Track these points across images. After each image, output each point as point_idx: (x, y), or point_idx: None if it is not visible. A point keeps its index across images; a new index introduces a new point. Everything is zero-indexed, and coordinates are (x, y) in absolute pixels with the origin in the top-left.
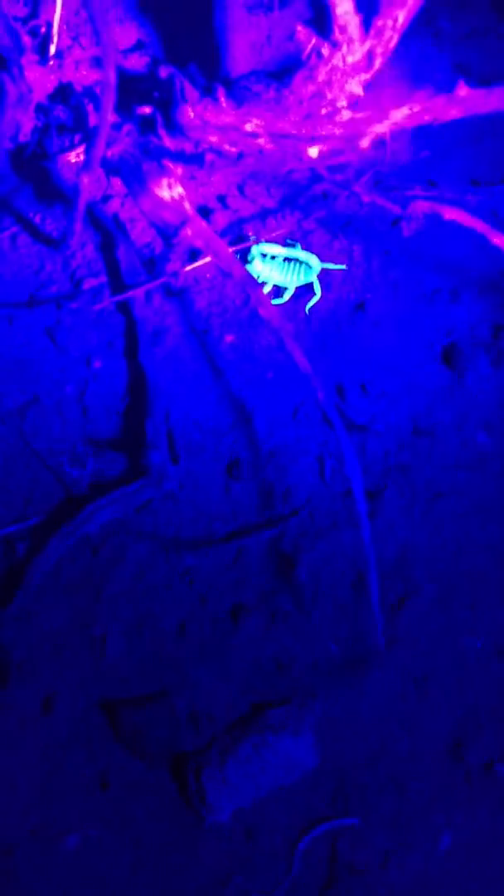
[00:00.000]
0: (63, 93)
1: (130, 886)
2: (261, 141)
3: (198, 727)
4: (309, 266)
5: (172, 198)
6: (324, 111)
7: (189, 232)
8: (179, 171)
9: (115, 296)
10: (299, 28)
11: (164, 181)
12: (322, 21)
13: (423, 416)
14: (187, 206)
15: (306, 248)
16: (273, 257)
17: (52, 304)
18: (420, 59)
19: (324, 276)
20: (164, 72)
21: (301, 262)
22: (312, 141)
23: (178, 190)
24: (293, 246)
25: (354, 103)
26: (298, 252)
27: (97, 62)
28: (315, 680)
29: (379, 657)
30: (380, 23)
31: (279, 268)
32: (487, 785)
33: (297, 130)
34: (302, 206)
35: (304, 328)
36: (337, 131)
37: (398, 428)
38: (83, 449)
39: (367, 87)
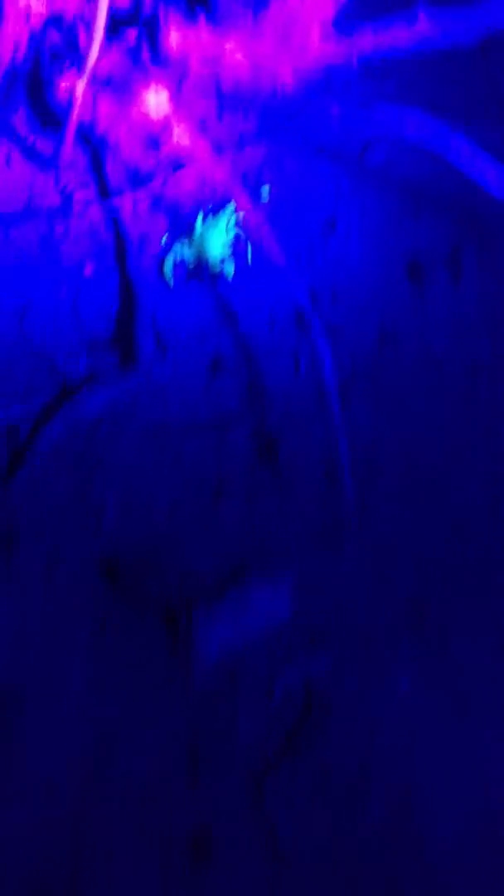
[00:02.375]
0: (55, 21)
1: (128, 718)
2: (239, 65)
3: (187, 585)
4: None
5: (159, 105)
6: (298, 36)
7: (175, 136)
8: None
9: (103, 205)
10: None
11: (152, 89)
12: None
13: (389, 324)
14: (172, 112)
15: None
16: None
17: (44, 217)
18: None
19: (299, 195)
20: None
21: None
22: (288, 64)
23: (164, 96)
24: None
25: (328, 28)
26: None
27: None
28: (291, 548)
29: (348, 530)
30: None
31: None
32: (441, 639)
33: (273, 54)
34: (278, 133)
35: (279, 241)
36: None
37: (365, 334)
38: (77, 346)
39: (340, 14)
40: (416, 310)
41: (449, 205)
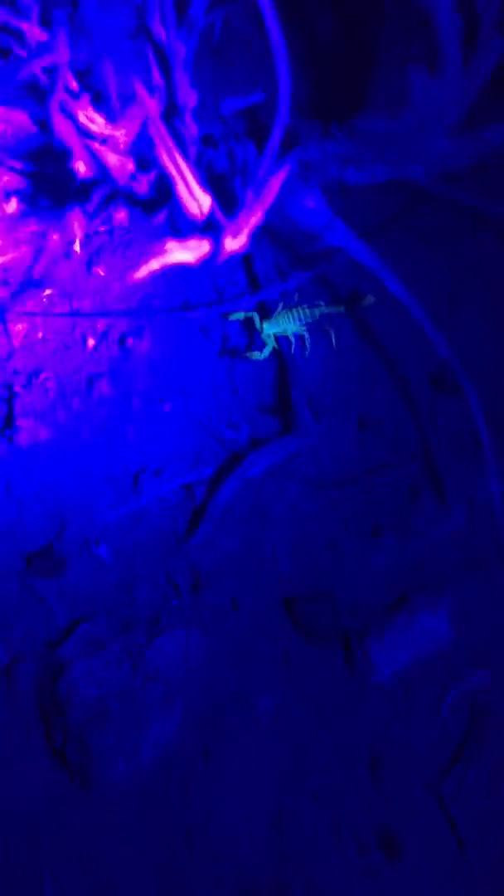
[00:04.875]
0: (209, 139)
1: (313, 735)
2: (369, 166)
3: (357, 613)
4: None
5: (318, 206)
6: (425, 138)
7: (333, 232)
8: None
9: (253, 296)
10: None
11: (309, 195)
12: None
13: None
14: (316, 209)
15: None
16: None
17: (203, 308)
18: None
19: (423, 275)
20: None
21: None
22: (416, 162)
23: (320, 201)
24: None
25: (453, 129)
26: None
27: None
28: (447, 574)
29: (500, 556)
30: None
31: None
32: None
33: (403, 154)
34: (403, 222)
35: (411, 313)
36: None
37: (494, 392)
38: (238, 417)
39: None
40: None
41: None
